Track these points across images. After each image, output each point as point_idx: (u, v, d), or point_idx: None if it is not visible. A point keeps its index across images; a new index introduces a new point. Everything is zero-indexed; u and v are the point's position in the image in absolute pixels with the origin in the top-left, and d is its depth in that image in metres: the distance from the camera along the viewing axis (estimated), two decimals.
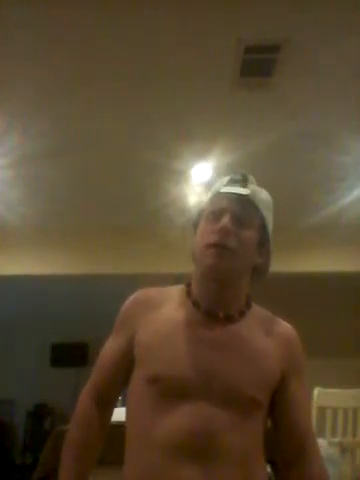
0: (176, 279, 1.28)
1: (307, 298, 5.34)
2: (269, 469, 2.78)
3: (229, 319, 1.15)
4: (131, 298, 1.25)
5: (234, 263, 1.13)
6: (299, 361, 1.20)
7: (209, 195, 1.26)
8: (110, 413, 1.26)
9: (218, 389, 1.07)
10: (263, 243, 1.20)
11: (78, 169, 3.66)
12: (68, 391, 6.40)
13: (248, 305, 1.22)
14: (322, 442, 3.40)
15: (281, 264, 5.06)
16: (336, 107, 2.84)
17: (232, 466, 1.06)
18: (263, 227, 1.19)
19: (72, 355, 6.65)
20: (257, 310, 1.23)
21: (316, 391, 3.93)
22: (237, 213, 1.15)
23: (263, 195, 1.22)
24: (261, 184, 1.27)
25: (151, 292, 1.25)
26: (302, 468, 1.14)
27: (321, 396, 3.90)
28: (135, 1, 2.10)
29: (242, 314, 1.18)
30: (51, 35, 2.28)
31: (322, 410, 3.87)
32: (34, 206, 4.23)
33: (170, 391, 1.08)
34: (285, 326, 1.24)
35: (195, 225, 1.25)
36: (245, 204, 1.17)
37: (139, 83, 2.64)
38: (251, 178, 1.24)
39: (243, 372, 1.10)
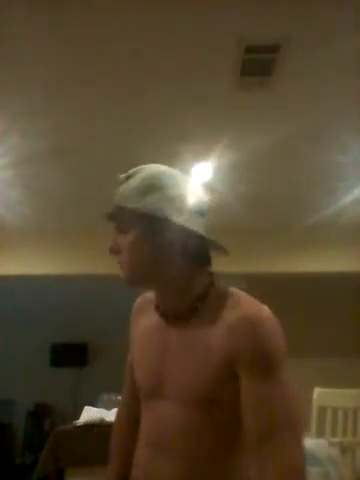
0: None
1: (307, 298, 5.35)
2: None
3: (180, 318, 1.10)
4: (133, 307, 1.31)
5: (126, 272, 1.11)
6: (252, 349, 1.01)
7: None
8: (137, 420, 1.27)
9: (171, 391, 1.11)
10: (154, 225, 1.07)
11: (78, 169, 3.66)
12: (68, 391, 6.41)
13: (202, 297, 1.10)
14: (322, 442, 3.41)
15: (281, 264, 5.10)
16: (336, 107, 2.84)
17: (188, 463, 1.08)
18: (143, 214, 1.07)
19: (72, 355, 6.65)
20: (223, 298, 1.10)
21: (316, 391, 3.93)
22: (115, 226, 1.13)
23: (132, 187, 1.10)
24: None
25: (144, 298, 1.28)
26: (266, 462, 0.98)
27: (321, 396, 3.90)
28: (135, 1, 2.10)
29: (194, 310, 1.09)
30: (51, 35, 2.28)
31: (322, 410, 3.87)
32: (34, 206, 4.23)
33: (144, 396, 1.19)
34: (242, 312, 1.05)
35: None
36: (115, 213, 1.13)
37: (139, 83, 2.64)
38: (123, 178, 1.15)
39: (190, 372, 1.07)
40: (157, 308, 1.16)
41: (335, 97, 2.75)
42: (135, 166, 1.19)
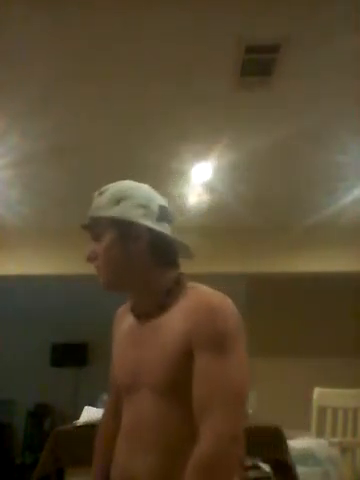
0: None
1: (307, 298, 5.35)
2: (268, 469, 2.79)
3: (151, 315, 1.21)
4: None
5: (104, 277, 1.22)
6: (204, 330, 1.09)
7: None
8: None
9: (145, 382, 1.18)
10: (126, 232, 1.19)
11: (78, 169, 3.66)
12: (68, 391, 6.41)
13: (172, 294, 1.19)
14: (322, 442, 3.41)
15: (281, 264, 5.10)
16: (336, 107, 2.84)
17: (164, 453, 1.13)
18: (117, 221, 1.20)
19: (72, 355, 6.65)
20: (187, 295, 1.18)
21: (316, 391, 3.93)
22: (91, 236, 1.25)
23: (105, 199, 1.25)
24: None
25: (122, 308, 1.40)
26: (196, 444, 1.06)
27: (321, 396, 3.91)
28: (135, 1, 2.10)
29: (163, 307, 1.19)
30: (51, 35, 2.28)
31: (322, 410, 3.87)
32: (34, 206, 4.23)
33: (124, 391, 1.27)
34: (197, 299, 1.15)
35: None
36: (90, 224, 1.26)
37: (139, 83, 2.64)
38: (96, 195, 1.30)
39: (157, 358, 1.15)
40: (132, 310, 1.27)
41: (335, 97, 2.76)
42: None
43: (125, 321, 1.31)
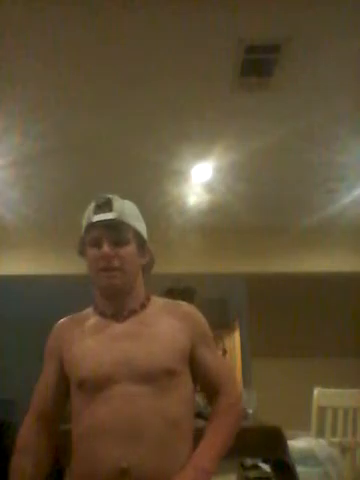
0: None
1: (307, 298, 5.35)
2: (268, 469, 2.79)
3: (132, 313, 1.37)
4: (53, 329, 1.51)
5: (122, 279, 1.35)
6: (203, 330, 1.41)
7: (84, 223, 1.44)
8: (55, 436, 1.45)
9: (133, 371, 1.25)
10: (141, 246, 1.42)
11: (78, 169, 3.66)
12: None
13: (147, 298, 1.43)
14: (322, 442, 3.41)
15: (281, 264, 5.10)
16: (336, 107, 2.84)
17: (156, 436, 1.20)
18: (137, 234, 1.41)
19: None
20: (157, 300, 1.45)
21: (316, 391, 3.93)
22: (111, 237, 1.36)
23: (128, 209, 1.42)
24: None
25: (67, 319, 1.49)
26: (216, 403, 1.36)
27: (321, 396, 3.90)
28: (135, 1, 2.10)
29: (143, 306, 1.39)
30: (51, 35, 2.28)
31: (322, 410, 3.87)
32: (34, 206, 4.23)
33: (94, 387, 1.27)
34: (185, 306, 1.43)
35: (81, 252, 1.47)
36: (115, 226, 1.37)
37: (139, 83, 2.64)
38: (114, 198, 1.41)
39: (152, 349, 1.28)
40: (102, 313, 1.39)
41: (335, 97, 2.76)
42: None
43: (75, 329, 1.40)
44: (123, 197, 1.45)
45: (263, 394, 3.42)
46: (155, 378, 1.25)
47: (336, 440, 3.64)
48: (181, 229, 4.23)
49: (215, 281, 5.19)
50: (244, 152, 3.30)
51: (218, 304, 5.11)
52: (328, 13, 2.15)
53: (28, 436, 1.42)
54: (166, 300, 1.47)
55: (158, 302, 1.44)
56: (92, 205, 1.43)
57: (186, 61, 2.47)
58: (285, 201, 4.31)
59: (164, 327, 1.34)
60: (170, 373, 1.27)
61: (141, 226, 1.44)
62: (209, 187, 3.87)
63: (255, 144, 3.16)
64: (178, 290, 3.76)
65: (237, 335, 5.28)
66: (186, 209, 4.14)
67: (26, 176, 3.68)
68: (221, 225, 4.55)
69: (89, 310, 1.48)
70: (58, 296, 6.24)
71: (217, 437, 1.28)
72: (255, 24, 2.23)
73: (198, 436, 1.30)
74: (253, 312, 5.16)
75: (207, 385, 1.39)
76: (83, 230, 1.43)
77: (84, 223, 1.44)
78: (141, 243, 1.42)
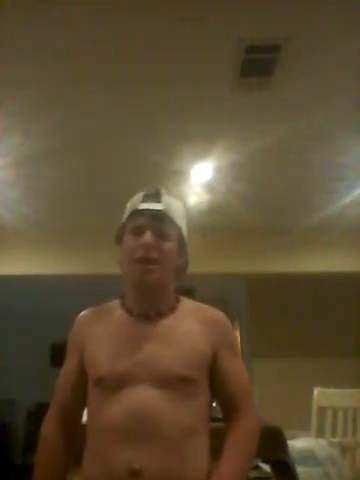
0: (123, 293, 1.38)
1: (307, 298, 5.35)
2: (268, 469, 2.78)
3: (160, 315, 1.31)
4: (75, 321, 1.46)
5: (160, 273, 1.29)
6: (227, 337, 1.34)
7: (127, 210, 1.40)
8: (76, 428, 1.38)
9: (152, 375, 1.21)
10: (181, 247, 1.37)
11: (78, 169, 3.66)
12: None
13: (177, 300, 1.36)
14: (322, 442, 3.41)
15: (281, 264, 5.10)
16: (336, 107, 2.84)
17: (170, 442, 1.17)
18: (180, 233, 1.36)
19: None
20: (187, 302, 1.38)
21: (316, 391, 3.93)
22: (156, 228, 1.31)
23: (175, 205, 1.38)
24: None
25: (90, 312, 1.45)
26: (235, 424, 1.27)
27: (321, 396, 3.90)
28: (135, 1, 2.10)
29: (172, 309, 1.33)
30: (51, 35, 2.28)
31: (322, 410, 3.87)
32: (34, 206, 4.23)
33: (112, 386, 1.23)
34: (212, 311, 1.37)
35: (118, 239, 1.41)
36: (161, 218, 1.32)
37: (139, 83, 2.64)
38: (164, 190, 1.38)
39: (173, 354, 1.23)
40: (128, 310, 1.33)
41: (335, 97, 2.75)
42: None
43: (99, 323, 1.35)
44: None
45: (263, 394, 3.42)
46: (172, 384, 1.21)
47: (336, 440, 3.64)
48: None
49: (215, 281, 5.19)
50: (244, 152, 3.30)
51: (218, 304, 5.08)
52: (328, 13, 2.15)
53: (49, 432, 1.37)
54: (195, 303, 1.40)
55: (187, 305, 1.37)
56: (140, 193, 1.38)
57: (186, 61, 2.47)
58: (285, 201, 4.31)
59: (187, 332, 1.29)
60: (187, 381, 1.23)
61: (184, 226, 1.39)
62: (209, 187, 3.87)
63: (255, 144, 3.16)
64: (178, 290, 3.76)
65: (237, 335, 5.28)
66: (186, 209, 4.14)
67: (26, 176, 3.68)
68: (221, 225, 4.55)
69: (115, 303, 1.41)
70: (58, 296, 6.24)
71: (237, 469, 1.21)
72: (255, 24, 2.23)
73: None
74: (253, 312, 5.16)
75: (226, 400, 1.32)
76: (125, 217, 1.38)
77: (128, 210, 1.39)
78: (181, 243, 1.37)
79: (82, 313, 1.46)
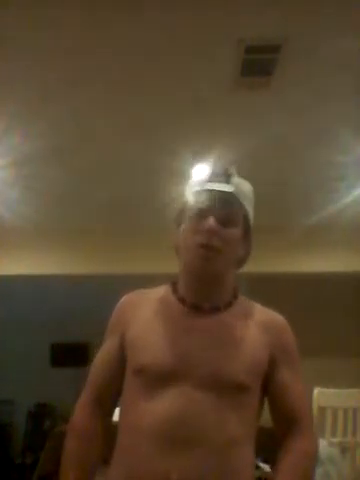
0: (175, 279, 1.30)
1: (307, 298, 5.34)
2: (268, 469, 2.79)
3: (215, 310, 1.18)
4: (119, 302, 1.31)
5: (220, 263, 1.17)
6: (288, 347, 1.22)
7: (191, 189, 1.24)
8: (110, 418, 1.26)
9: (202, 375, 1.10)
10: (246, 235, 1.23)
11: (78, 169, 3.66)
12: (68, 391, 6.38)
13: (235, 296, 1.24)
14: (322, 442, 3.41)
15: (281, 264, 5.10)
16: (336, 107, 2.84)
17: (214, 452, 1.07)
18: (247, 220, 1.23)
19: (72, 355, 6.64)
20: (245, 301, 1.26)
21: (316, 391, 3.93)
22: (222, 212, 1.16)
23: (246, 188, 1.25)
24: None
25: (137, 294, 1.31)
26: (293, 446, 1.16)
27: (321, 396, 3.90)
28: (135, 1, 2.10)
29: (228, 305, 1.20)
30: (51, 35, 2.28)
31: (322, 410, 3.87)
32: (34, 206, 4.22)
33: (154, 380, 1.11)
34: (274, 315, 1.26)
35: (178, 221, 1.26)
36: (229, 201, 1.18)
37: (139, 83, 2.63)
38: (233, 170, 1.25)
39: (227, 357, 1.12)
40: (180, 298, 1.20)
41: (335, 97, 2.75)
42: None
43: (146, 308, 1.22)
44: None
45: None
46: (222, 389, 1.10)
47: (336, 440, 3.64)
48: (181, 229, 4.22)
49: None
50: (244, 152, 3.29)
51: None
52: (328, 13, 2.14)
53: (83, 418, 1.22)
54: (254, 303, 1.27)
55: (245, 303, 1.24)
56: (206, 171, 1.23)
57: (186, 61, 2.47)
58: (285, 201, 4.31)
59: (244, 334, 1.16)
60: (241, 388, 1.11)
61: (252, 213, 1.24)
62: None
63: (255, 144, 3.16)
64: None
65: None
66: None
67: (26, 176, 3.68)
68: None
69: (165, 288, 1.27)
70: (58, 296, 6.25)
71: None
72: (255, 24, 2.23)
73: None
74: None
75: (282, 416, 1.19)
76: (187, 196, 1.24)
77: (191, 188, 1.24)
78: (247, 231, 1.22)
79: (128, 294, 1.31)
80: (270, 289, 5.25)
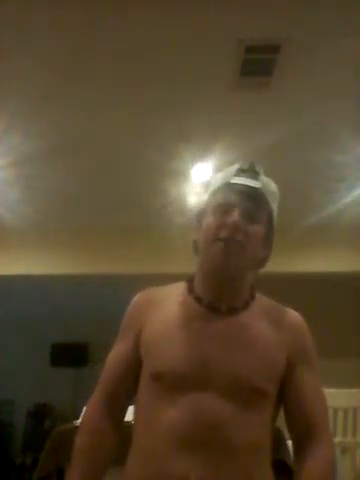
0: (176, 279, 1.28)
1: (307, 298, 5.34)
2: None
3: (232, 311, 1.15)
4: (133, 300, 1.26)
5: (242, 260, 1.12)
6: (306, 348, 1.20)
7: (216, 184, 1.22)
8: (122, 417, 1.24)
9: (221, 380, 1.08)
10: (268, 235, 1.18)
11: (78, 169, 3.66)
12: (68, 391, 6.40)
13: (252, 296, 1.20)
14: None
15: (281, 264, 5.08)
16: (336, 107, 2.84)
17: (233, 456, 1.05)
18: (271, 220, 1.19)
19: (72, 355, 6.65)
20: (263, 300, 1.21)
21: None
22: (247, 207, 1.13)
23: (272, 187, 1.22)
24: None
25: (152, 292, 1.26)
26: (309, 451, 1.12)
27: None
28: (136, 1, 2.10)
29: (246, 305, 1.16)
30: (51, 35, 2.28)
31: None
32: (34, 206, 4.23)
33: (174, 385, 1.09)
34: (291, 314, 1.22)
35: (199, 217, 1.22)
36: (255, 197, 1.15)
37: (139, 83, 2.64)
38: (260, 168, 1.21)
39: (246, 361, 1.09)
40: (197, 297, 1.16)
41: (335, 97, 2.75)
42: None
43: (162, 307, 1.18)
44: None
45: None
46: (241, 394, 1.08)
47: (336, 440, 3.64)
48: (181, 229, 4.23)
49: None
50: (244, 152, 3.29)
51: None
52: (328, 13, 2.15)
53: (95, 416, 1.20)
54: (272, 302, 1.23)
55: (262, 302, 1.20)
56: (233, 166, 1.20)
57: (186, 61, 2.47)
58: (285, 201, 4.29)
59: (262, 336, 1.13)
60: (259, 393, 1.09)
61: (276, 210, 1.21)
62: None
63: (255, 144, 3.15)
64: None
65: None
66: (186, 209, 4.14)
67: (26, 176, 3.68)
68: None
69: (180, 286, 1.22)
70: (58, 296, 6.24)
71: None
72: (255, 24, 2.23)
73: None
74: None
75: (299, 422, 1.15)
76: (212, 190, 1.22)
77: (216, 183, 1.22)
78: (269, 231, 1.18)
79: (143, 291, 1.27)
80: (270, 289, 5.24)
